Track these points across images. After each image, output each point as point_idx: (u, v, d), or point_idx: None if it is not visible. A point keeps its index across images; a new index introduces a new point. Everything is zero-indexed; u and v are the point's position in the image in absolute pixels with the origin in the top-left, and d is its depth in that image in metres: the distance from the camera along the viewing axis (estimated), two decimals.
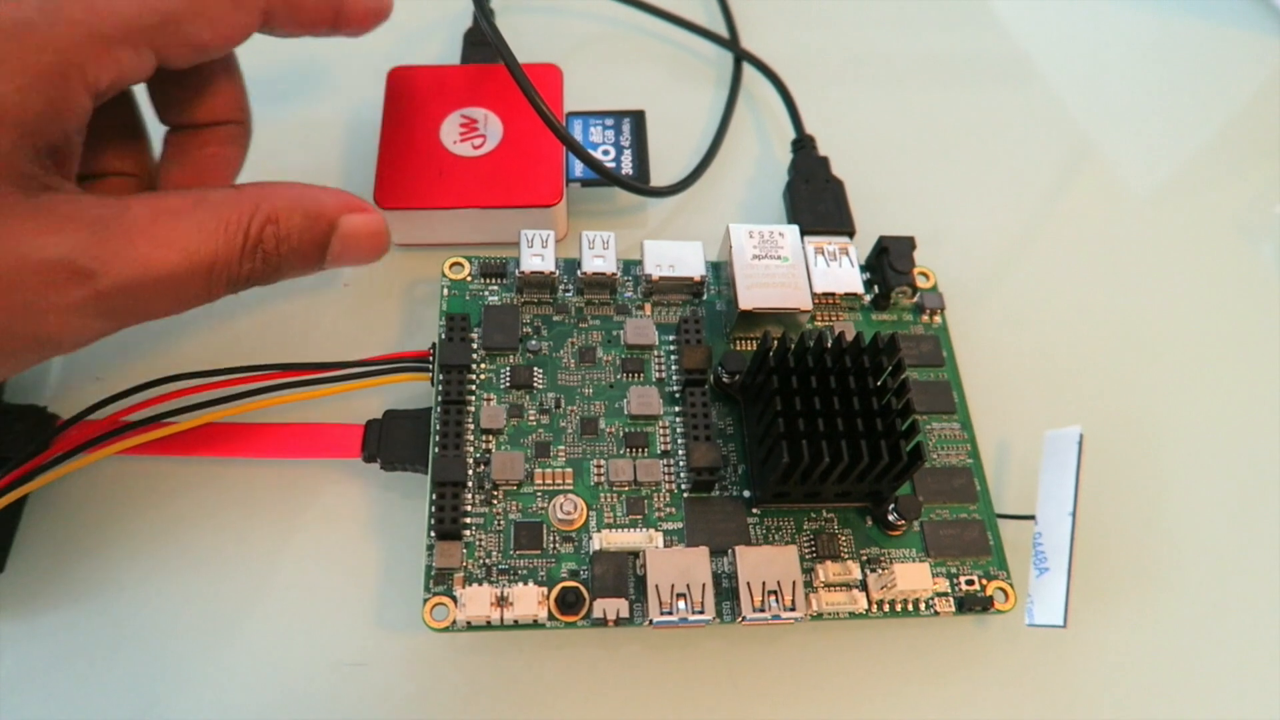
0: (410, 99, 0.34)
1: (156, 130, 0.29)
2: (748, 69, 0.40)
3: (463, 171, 0.32)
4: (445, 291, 0.31)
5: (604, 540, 0.27)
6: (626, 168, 0.34)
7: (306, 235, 0.25)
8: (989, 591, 0.28)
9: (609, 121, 0.35)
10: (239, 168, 0.30)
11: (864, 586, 0.27)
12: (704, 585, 0.25)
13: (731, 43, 0.41)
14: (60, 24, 0.21)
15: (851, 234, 0.33)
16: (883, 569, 0.27)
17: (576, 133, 0.35)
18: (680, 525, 0.28)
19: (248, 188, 0.25)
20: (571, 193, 0.33)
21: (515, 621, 0.25)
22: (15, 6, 0.21)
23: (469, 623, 0.25)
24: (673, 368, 0.30)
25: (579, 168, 0.33)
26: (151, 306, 0.23)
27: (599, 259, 0.30)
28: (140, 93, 0.28)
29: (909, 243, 0.32)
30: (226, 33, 0.25)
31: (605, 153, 0.34)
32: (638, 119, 0.35)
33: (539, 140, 0.33)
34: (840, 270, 0.32)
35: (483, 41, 0.37)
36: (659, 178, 0.35)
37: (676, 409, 0.30)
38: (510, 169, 0.33)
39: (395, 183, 0.32)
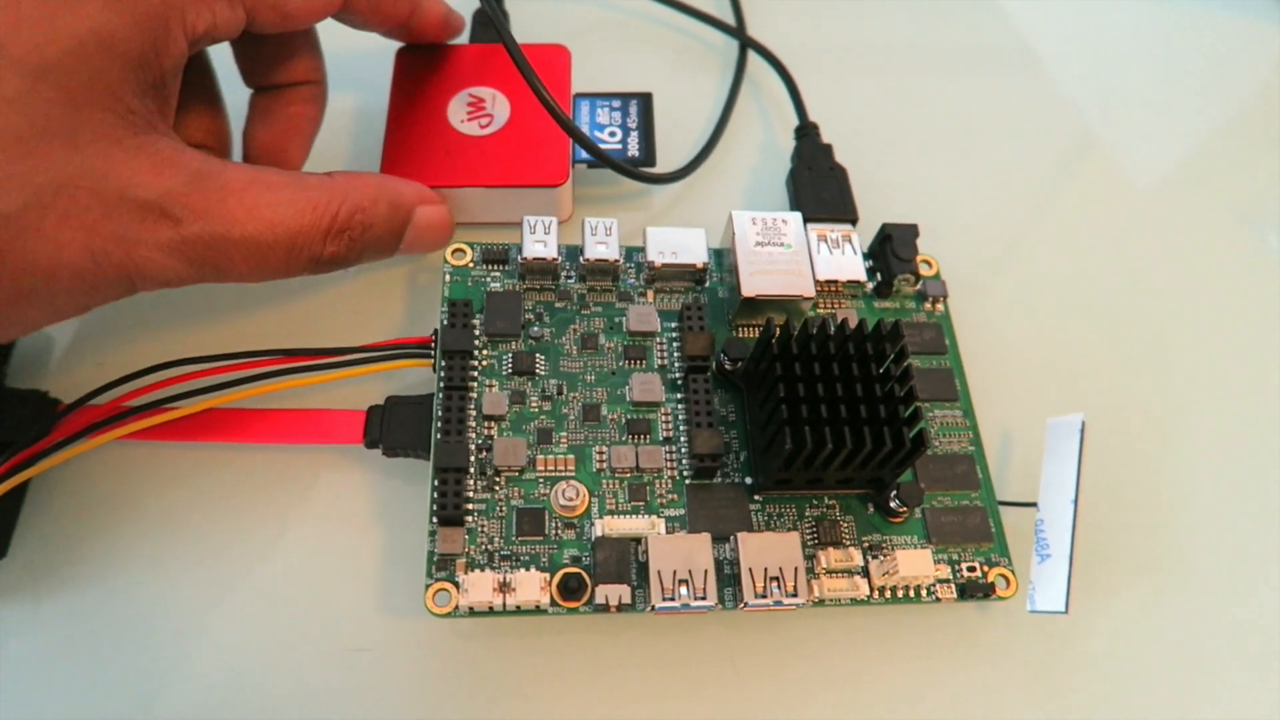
0: (418, 78, 0.34)
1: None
2: (753, 56, 0.40)
3: (469, 151, 0.32)
4: (447, 277, 0.30)
5: (606, 526, 0.27)
6: (633, 150, 0.34)
7: (389, 224, 0.28)
8: (990, 578, 0.28)
9: (616, 103, 0.35)
10: (318, 126, 0.32)
11: (866, 573, 0.27)
12: (706, 571, 0.25)
13: (738, 30, 0.40)
14: None
15: (854, 221, 0.33)
16: (884, 555, 0.27)
17: (583, 114, 0.35)
18: (682, 512, 0.28)
19: (339, 176, 0.27)
20: (577, 174, 0.33)
21: (518, 607, 0.25)
22: None
23: (471, 608, 0.25)
24: (675, 354, 0.30)
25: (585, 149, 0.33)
26: (232, 265, 0.24)
27: (601, 245, 0.30)
28: (222, 67, 0.30)
29: (912, 230, 0.32)
30: (311, 7, 0.27)
31: (612, 134, 0.34)
32: (645, 101, 0.35)
33: (546, 121, 0.33)
34: (843, 257, 0.32)
35: (488, 21, 0.37)
36: (664, 162, 0.35)
37: (679, 396, 0.29)
38: (517, 149, 0.32)
39: (402, 161, 0.32)
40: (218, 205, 0.23)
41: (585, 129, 0.34)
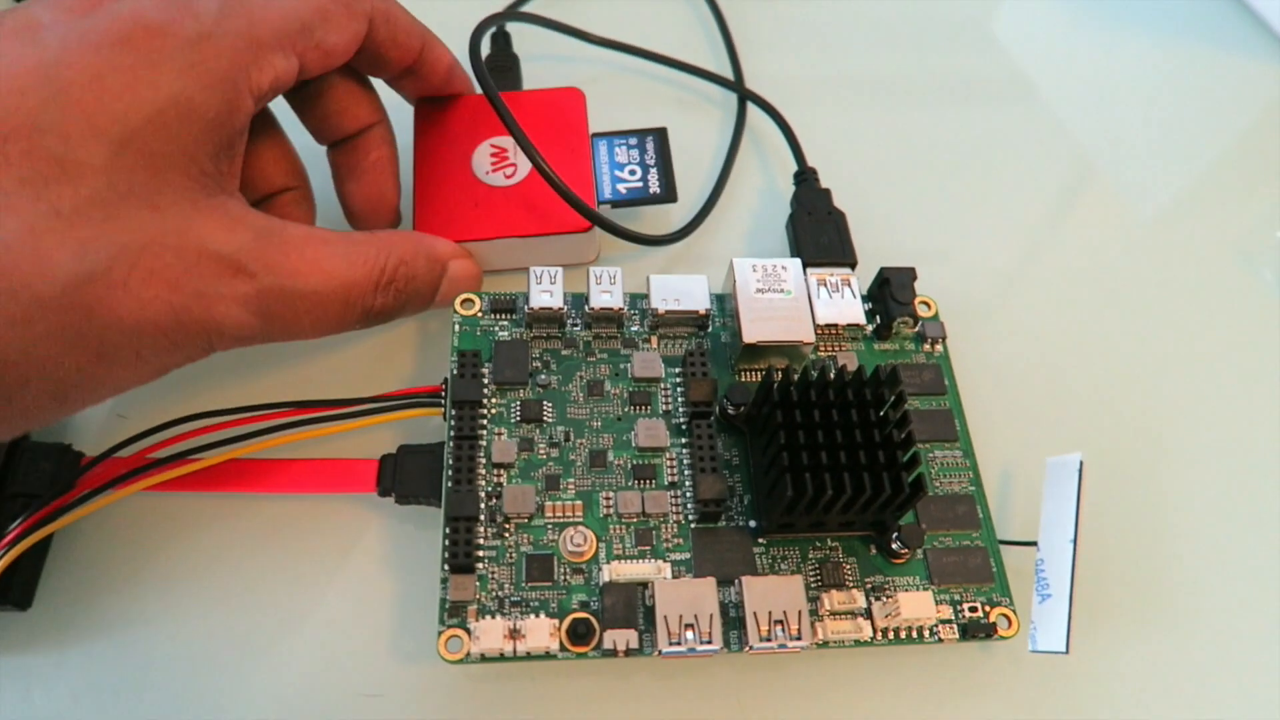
0: (439, 131, 0.35)
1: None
2: (752, 105, 0.41)
3: (497, 201, 0.33)
4: (457, 327, 0.31)
5: (613, 572, 0.27)
6: (654, 187, 0.35)
7: (428, 276, 0.30)
8: (992, 618, 0.28)
9: (633, 140, 0.36)
10: (398, 163, 0.33)
11: (869, 614, 0.28)
12: (711, 615, 0.26)
13: (736, 84, 0.41)
14: (229, 34, 0.24)
15: (853, 265, 0.34)
16: (887, 597, 0.28)
17: (602, 153, 0.36)
18: (688, 555, 0.28)
19: (382, 234, 0.29)
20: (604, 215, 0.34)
21: (528, 653, 0.26)
22: (195, 19, 0.24)
23: (483, 654, 0.26)
24: (679, 400, 0.31)
25: (608, 189, 0.35)
26: (298, 318, 0.26)
27: (606, 294, 0.31)
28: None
29: (910, 274, 0.33)
30: (346, 37, 0.28)
31: (632, 172, 0.35)
32: (660, 136, 0.36)
33: (568, 166, 0.34)
34: (842, 301, 0.32)
35: (501, 67, 0.38)
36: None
37: (683, 440, 0.30)
38: (542, 196, 0.33)
39: (434, 216, 0.33)
40: (284, 259, 0.25)
41: (605, 168, 0.35)
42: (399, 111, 0.34)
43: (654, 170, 0.35)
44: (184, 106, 0.23)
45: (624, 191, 0.35)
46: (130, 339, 0.23)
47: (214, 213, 0.24)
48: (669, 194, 0.35)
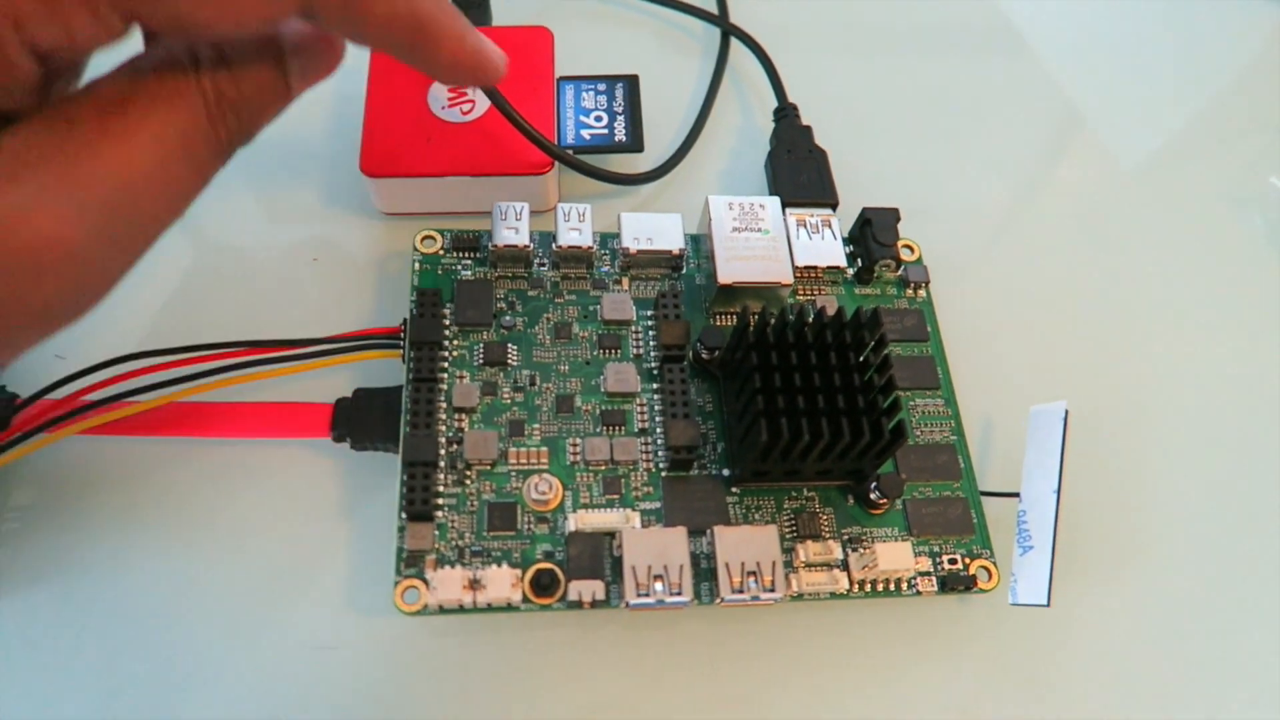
0: (397, 63, 0.33)
1: None
2: (735, 42, 0.39)
3: (451, 138, 0.31)
4: (417, 265, 0.30)
5: (579, 521, 0.26)
6: (620, 135, 0.33)
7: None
8: (972, 570, 0.28)
9: (601, 86, 0.34)
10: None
11: (845, 566, 0.27)
12: (681, 566, 0.25)
13: (720, 18, 0.39)
14: None
15: (834, 206, 0.32)
16: (864, 548, 0.27)
17: (568, 98, 0.34)
18: (658, 505, 0.27)
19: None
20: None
21: (489, 604, 0.25)
22: None
23: (441, 606, 0.25)
24: (651, 344, 0.30)
25: (570, 135, 0.33)
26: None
27: (575, 232, 0.30)
28: None
29: (893, 214, 0.32)
30: (237, 19, 0.18)
31: (598, 119, 0.33)
32: (631, 84, 0.34)
33: (530, 106, 0.32)
34: (822, 243, 0.31)
35: (472, 3, 0.36)
36: (649, 145, 0.34)
37: (654, 386, 0.29)
38: (500, 136, 0.31)
39: (382, 150, 0.31)
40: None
41: (570, 113, 0.33)
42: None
43: (621, 118, 0.34)
44: None
45: (587, 138, 0.33)
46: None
47: None
48: (635, 143, 0.33)
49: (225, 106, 0.20)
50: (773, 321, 0.26)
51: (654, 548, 0.25)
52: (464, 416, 0.28)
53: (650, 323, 0.30)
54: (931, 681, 0.28)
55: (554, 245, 0.30)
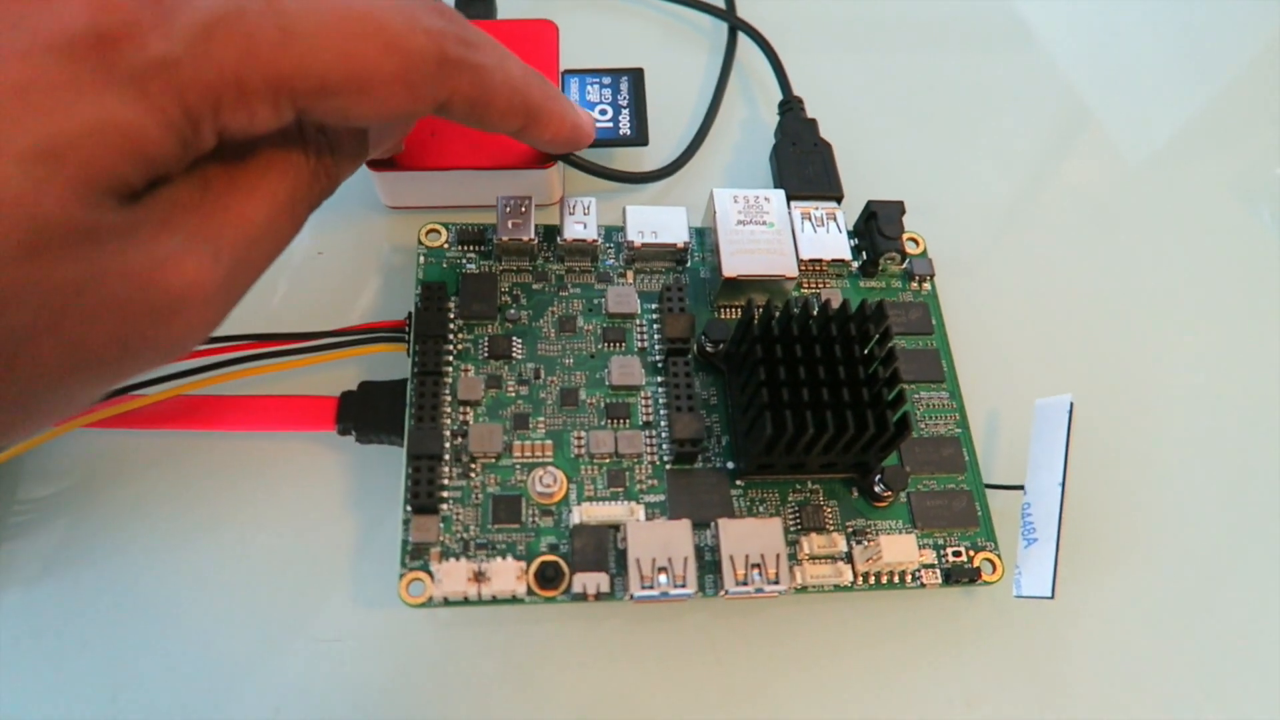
0: None
1: None
2: (741, 36, 0.39)
3: (456, 132, 0.31)
4: (421, 259, 0.30)
5: (584, 513, 0.26)
6: (625, 129, 0.33)
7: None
8: (976, 563, 0.28)
9: (606, 80, 0.34)
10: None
11: (849, 559, 0.27)
12: (686, 559, 0.25)
13: (728, 13, 0.39)
14: (206, 66, 0.18)
15: (839, 199, 0.32)
16: (868, 541, 0.27)
17: (573, 92, 0.34)
18: (662, 498, 0.27)
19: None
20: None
21: (493, 597, 0.25)
22: (164, 39, 0.17)
23: (446, 598, 0.25)
24: (655, 337, 0.30)
25: None
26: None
27: (579, 225, 0.30)
28: None
29: (898, 207, 0.32)
30: (387, 113, 0.21)
31: (603, 112, 0.33)
32: (636, 77, 0.34)
33: None
34: (827, 236, 0.31)
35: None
36: (654, 140, 0.34)
37: (659, 379, 0.29)
38: None
39: None
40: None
41: None
42: None
43: (626, 111, 0.33)
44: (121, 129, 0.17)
45: None
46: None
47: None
48: (640, 137, 0.33)
49: (323, 170, 0.23)
50: (777, 314, 0.26)
51: (658, 540, 0.25)
52: (469, 409, 0.28)
53: (655, 316, 0.30)
54: (936, 674, 0.28)
55: (559, 239, 0.30)
